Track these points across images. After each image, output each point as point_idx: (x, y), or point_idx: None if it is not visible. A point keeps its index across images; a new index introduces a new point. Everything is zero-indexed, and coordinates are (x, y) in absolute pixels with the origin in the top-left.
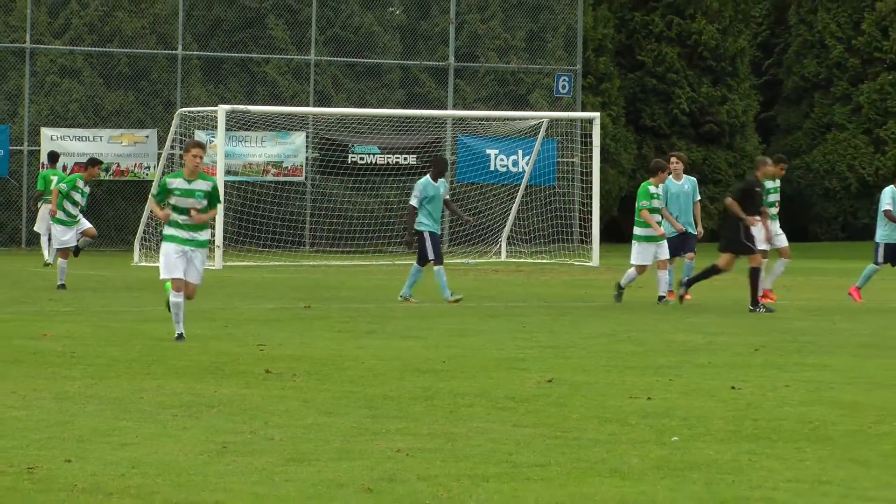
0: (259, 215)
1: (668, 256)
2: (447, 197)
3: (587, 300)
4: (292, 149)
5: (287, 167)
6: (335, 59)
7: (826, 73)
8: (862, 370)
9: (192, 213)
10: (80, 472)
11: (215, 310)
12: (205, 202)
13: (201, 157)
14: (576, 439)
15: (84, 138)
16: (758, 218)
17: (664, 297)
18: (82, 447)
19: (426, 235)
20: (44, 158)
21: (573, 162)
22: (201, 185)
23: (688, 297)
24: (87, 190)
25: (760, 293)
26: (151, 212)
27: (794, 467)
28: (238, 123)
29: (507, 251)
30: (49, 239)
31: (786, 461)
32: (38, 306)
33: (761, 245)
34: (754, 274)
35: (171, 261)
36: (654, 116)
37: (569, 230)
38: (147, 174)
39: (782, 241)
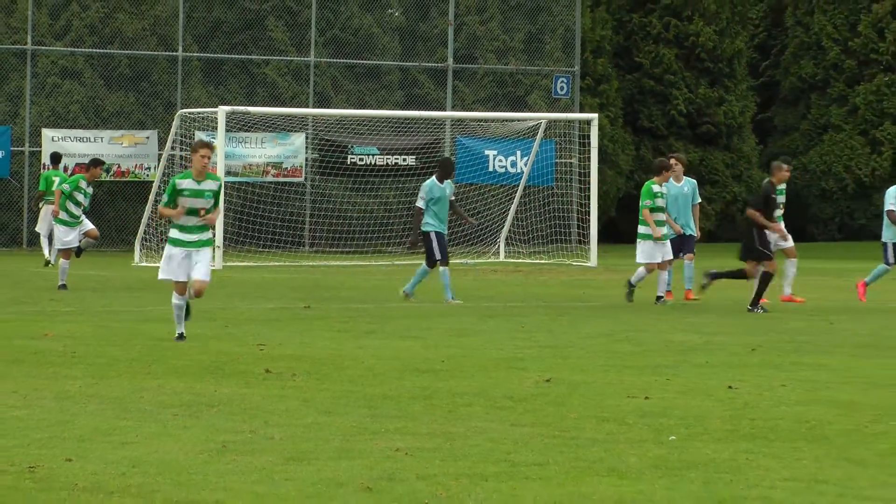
0: (259, 216)
1: (671, 257)
2: (453, 198)
3: (585, 300)
4: (292, 150)
5: (287, 168)
6: (335, 60)
7: (823, 75)
8: (859, 370)
9: (202, 213)
10: (81, 471)
11: (215, 310)
12: (212, 202)
13: (209, 158)
14: (574, 438)
15: (85, 139)
16: (781, 225)
17: (662, 297)
18: (83, 446)
19: (432, 236)
20: (45, 159)
21: (571, 163)
22: (210, 184)
23: (692, 296)
24: (89, 191)
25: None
26: (160, 215)
27: (790, 466)
28: (238, 124)
29: (505, 251)
30: (49, 239)
31: (783, 460)
32: (39, 306)
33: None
34: (765, 277)
35: (174, 264)
36: (652, 117)
37: (567, 231)
38: (147, 175)
39: (788, 241)
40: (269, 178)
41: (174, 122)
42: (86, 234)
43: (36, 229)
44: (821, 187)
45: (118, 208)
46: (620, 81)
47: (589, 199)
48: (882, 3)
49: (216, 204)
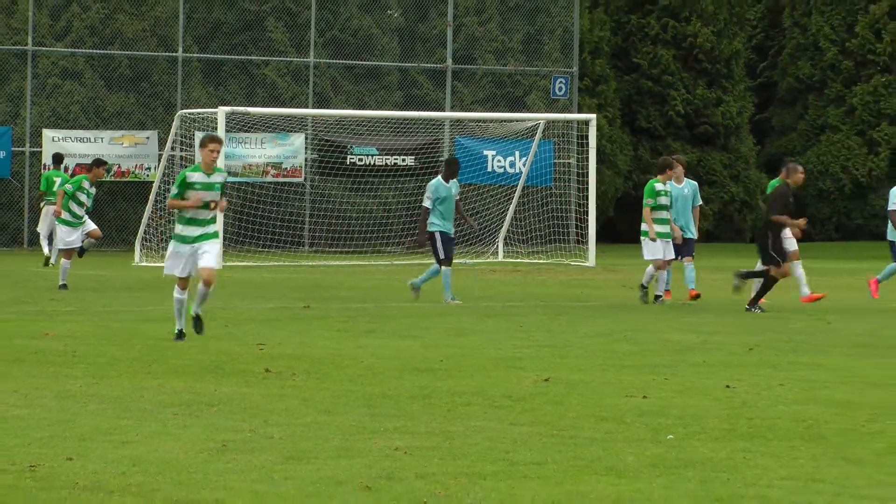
0: (259, 216)
1: (672, 257)
2: (458, 198)
3: (583, 300)
4: (292, 150)
5: (286, 168)
6: (334, 61)
7: (820, 75)
8: (855, 369)
9: (213, 205)
10: (82, 470)
11: (215, 309)
12: (219, 193)
13: (219, 152)
14: (572, 437)
15: (85, 140)
16: (803, 222)
17: (660, 296)
18: (83, 445)
19: (437, 236)
20: (47, 160)
21: (569, 163)
22: (218, 177)
23: (695, 292)
24: (92, 191)
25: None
26: (170, 208)
27: (788, 465)
28: (238, 125)
29: (504, 251)
30: (49, 238)
31: (780, 459)
32: (39, 306)
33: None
34: (770, 280)
35: (178, 260)
36: (650, 118)
37: (565, 230)
38: (148, 175)
39: (792, 244)
40: (269, 179)
41: (174, 123)
42: (88, 235)
43: (37, 229)
44: (818, 187)
45: (118, 208)
46: (618, 82)
47: (587, 199)
48: (879, 4)
49: (223, 195)
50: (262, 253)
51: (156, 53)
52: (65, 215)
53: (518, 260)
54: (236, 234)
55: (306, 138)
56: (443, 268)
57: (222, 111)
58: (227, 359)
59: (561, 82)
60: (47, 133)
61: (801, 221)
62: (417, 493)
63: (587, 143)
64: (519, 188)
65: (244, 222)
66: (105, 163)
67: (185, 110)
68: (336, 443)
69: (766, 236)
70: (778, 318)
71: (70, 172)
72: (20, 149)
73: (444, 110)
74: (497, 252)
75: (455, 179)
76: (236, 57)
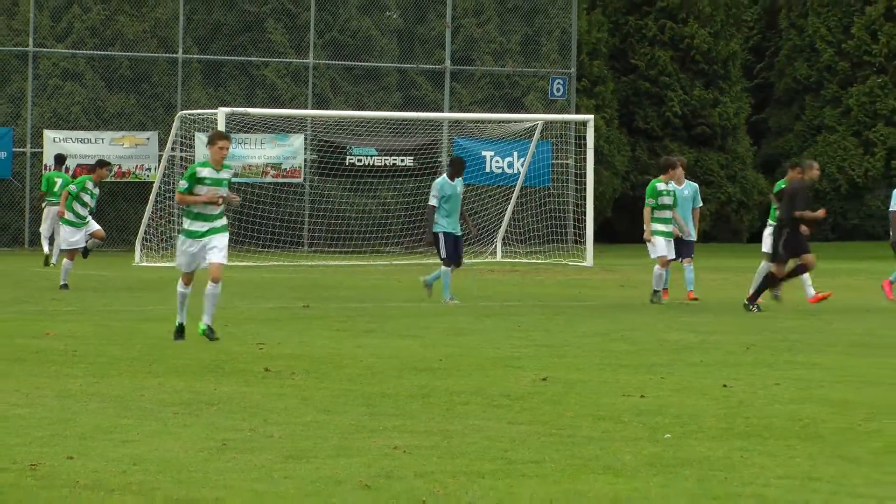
0: (258, 216)
1: (673, 256)
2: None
3: (581, 300)
4: (291, 151)
5: (286, 169)
6: (333, 62)
7: (816, 76)
8: (852, 368)
9: (221, 200)
10: (82, 468)
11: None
12: (226, 189)
13: (227, 149)
14: (570, 437)
15: (86, 140)
16: (823, 212)
17: (658, 292)
18: (84, 444)
19: (440, 236)
20: (47, 160)
21: (567, 164)
22: (226, 174)
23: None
24: (96, 191)
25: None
26: (179, 203)
27: (784, 464)
28: (238, 126)
29: (502, 251)
30: (51, 239)
31: (777, 458)
32: (40, 306)
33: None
34: (769, 277)
35: (186, 256)
36: (647, 119)
37: (563, 231)
38: (148, 176)
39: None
40: (269, 179)
41: (174, 124)
42: (92, 235)
43: (39, 230)
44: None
45: (119, 209)
46: (616, 83)
47: (585, 199)
48: (875, 6)
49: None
50: (262, 253)
51: (156, 55)
52: (68, 216)
53: (516, 260)
54: (236, 234)
55: (306, 139)
56: (442, 267)
57: (222, 112)
58: (227, 358)
59: (559, 83)
60: (48, 134)
61: (821, 212)
62: (416, 491)
63: (585, 144)
64: (517, 188)
65: (244, 222)
66: (108, 163)
67: (185, 111)
68: (335, 442)
69: (778, 234)
70: (775, 317)
71: (71, 173)
72: (21, 149)
73: (442, 111)
74: (495, 252)
75: (460, 178)
76: (236, 58)
